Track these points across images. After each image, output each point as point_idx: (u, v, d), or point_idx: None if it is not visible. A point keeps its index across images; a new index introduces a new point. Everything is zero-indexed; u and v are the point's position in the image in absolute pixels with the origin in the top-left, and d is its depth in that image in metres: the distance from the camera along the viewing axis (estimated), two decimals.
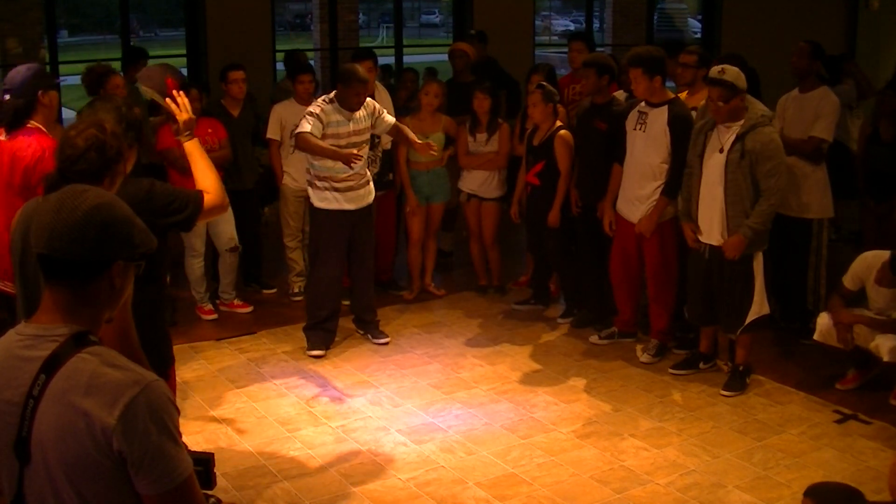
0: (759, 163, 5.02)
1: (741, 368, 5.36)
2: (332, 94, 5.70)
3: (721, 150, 5.11)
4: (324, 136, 5.53)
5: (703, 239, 5.28)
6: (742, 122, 5.06)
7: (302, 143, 5.54)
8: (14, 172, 4.00)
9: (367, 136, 5.82)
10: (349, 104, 5.62)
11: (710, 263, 5.27)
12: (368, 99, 5.79)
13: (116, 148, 3.07)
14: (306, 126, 5.52)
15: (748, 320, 5.22)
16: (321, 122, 5.56)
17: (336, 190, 5.72)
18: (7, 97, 4.07)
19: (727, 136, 5.11)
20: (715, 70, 5.09)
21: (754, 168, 5.03)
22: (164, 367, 3.65)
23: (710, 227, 5.21)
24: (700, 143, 5.25)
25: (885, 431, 4.84)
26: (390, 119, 5.90)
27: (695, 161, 5.27)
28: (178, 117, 3.58)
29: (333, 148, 5.50)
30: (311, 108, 5.68)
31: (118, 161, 3.08)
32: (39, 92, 4.09)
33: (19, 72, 4.14)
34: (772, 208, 5.10)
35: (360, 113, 5.70)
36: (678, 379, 5.50)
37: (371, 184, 5.93)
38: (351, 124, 5.65)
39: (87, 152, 2.99)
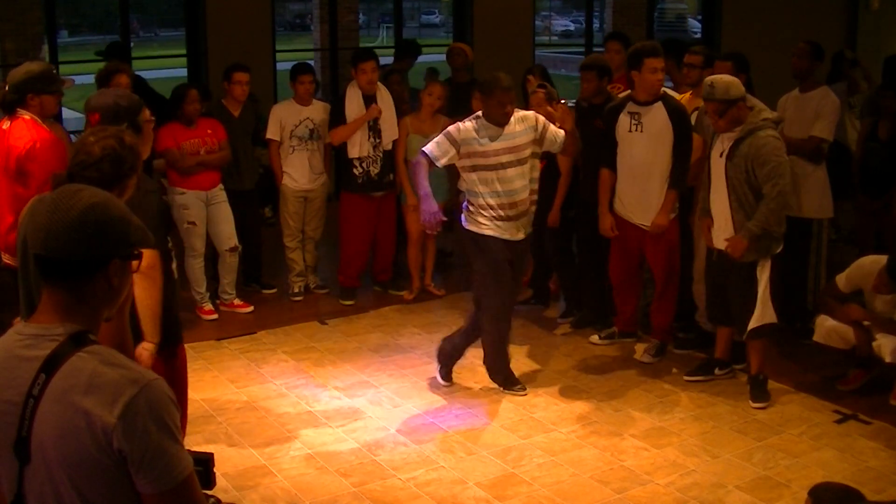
0: (756, 168, 4.95)
1: (761, 377, 5.25)
2: (480, 112, 5.19)
3: (722, 155, 5.07)
4: (467, 156, 5.10)
5: (713, 245, 5.21)
6: (741, 127, 5.00)
7: (411, 169, 5.47)
8: (9, 159, 4.27)
9: (528, 152, 5.15)
10: (495, 117, 5.08)
11: (720, 266, 5.23)
12: (529, 113, 5.25)
13: (131, 163, 3.08)
14: (433, 148, 5.09)
15: (750, 327, 5.12)
16: (455, 141, 5.07)
17: (498, 218, 5.15)
18: (6, 88, 4.37)
19: (727, 141, 5.05)
20: (706, 86, 4.98)
21: (754, 173, 4.97)
22: (172, 345, 3.77)
23: (719, 230, 5.17)
24: (708, 146, 5.22)
25: (885, 431, 4.84)
26: (560, 132, 5.21)
27: (706, 165, 5.24)
28: None
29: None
30: (450, 127, 5.23)
31: (130, 175, 3.09)
32: (29, 95, 4.31)
33: (19, 71, 4.39)
34: (772, 213, 4.98)
35: (517, 127, 5.11)
36: (679, 379, 5.50)
37: (530, 212, 5.27)
38: (501, 141, 5.07)
39: (101, 161, 3.00)
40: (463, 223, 5.28)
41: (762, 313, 5.10)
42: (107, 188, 2.95)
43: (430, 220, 5.02)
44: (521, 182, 5.13)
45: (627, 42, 7.28)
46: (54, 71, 4.53)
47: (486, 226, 5.14)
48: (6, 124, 4.33)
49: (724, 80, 4.97)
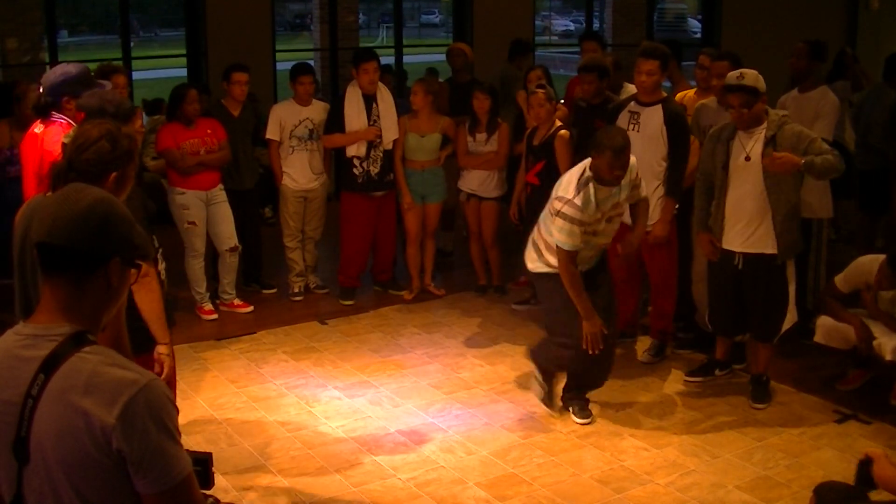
0: (809, 147, 4.73)
1: (764, 378, 5.22)
2: (586, 168, 4.63)
3: (748, 159, 4.87)
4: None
5: (735, 248, 5.03)
6: (764, 125, 4.85)
7: (567, 281, 4.65)
8: (43, 166, 4.09)
9: (625, 207, 4.91)
10: (603, 177, 4.57)
11: (744, 274, 5.04)
12: (630, 165, 4.71)
13: (128, 147, 3.08)
14: (567, 241, 4.57)
15: (784, 328, 5.10)
16: (581, 222, 4.56)
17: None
18: (40, 90, 4.21)
19: (750, 143, 4.88)
20: (733, 76, 4.86)
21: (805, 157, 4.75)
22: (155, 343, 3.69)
23: (745, 236, 4.98)
24: (721, 151, 4.97)
25: (885, 431, 4.84)
26: (642, 191, 4.92)
27: (719, 172, 4.99)
28: None
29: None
30: (567, 209, 4.56)
31: (127, 162, 3.08)
32: (65, 98, 4.14)
33: (54, 73, 4.22)
34: (836, 158, 4.72)
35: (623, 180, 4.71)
36: (679, 379, 5.50)
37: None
38: (611, 199, 4.68)
39: (99, 140, 3.00)
40: (528, 265, 4.91)
41: (793, 314, 5.11)
42: (103, 171, 2.96)
43: (595, 340, 4.66)
44: (606, 240, 4.86)
45: (603, 42, 7.32)
46: (92, 73, 4.33)
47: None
48: (39, 128, 4.13)
49: (753, 72, 4.87)
